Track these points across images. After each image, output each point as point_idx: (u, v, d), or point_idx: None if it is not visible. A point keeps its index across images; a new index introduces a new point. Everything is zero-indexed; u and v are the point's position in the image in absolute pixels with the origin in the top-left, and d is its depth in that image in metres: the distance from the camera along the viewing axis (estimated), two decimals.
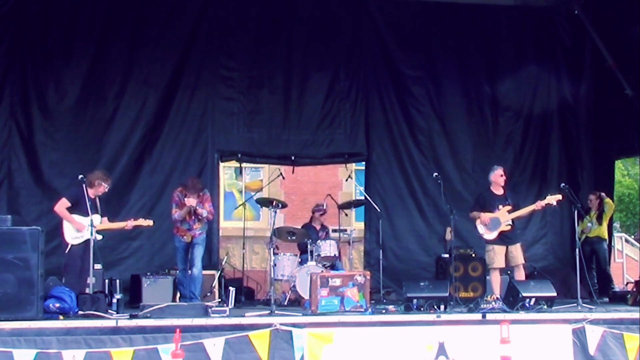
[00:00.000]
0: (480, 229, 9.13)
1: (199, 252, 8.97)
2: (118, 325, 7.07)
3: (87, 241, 8.20)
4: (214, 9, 11.12)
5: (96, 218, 8.31)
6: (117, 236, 10.37)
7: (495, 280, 9.12)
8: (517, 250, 9.14)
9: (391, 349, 7.31)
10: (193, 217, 8.97)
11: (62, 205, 8.27)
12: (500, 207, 9.09)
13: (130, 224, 8.65)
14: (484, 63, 11.91)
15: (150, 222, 8.69)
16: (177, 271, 9.14)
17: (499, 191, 9.27)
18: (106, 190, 8.52)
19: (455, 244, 9.39)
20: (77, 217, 8.26)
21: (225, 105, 11.14)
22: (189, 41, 11.00)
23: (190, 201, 8.82)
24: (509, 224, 9.07)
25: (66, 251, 8.25)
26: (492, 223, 9.04)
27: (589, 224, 10.88)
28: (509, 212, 9.05)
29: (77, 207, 8.27)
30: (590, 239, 10.91)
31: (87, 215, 8.16)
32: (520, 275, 9.12)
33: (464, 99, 11.82)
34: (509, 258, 9.12)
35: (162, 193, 10.64)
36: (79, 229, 8.24)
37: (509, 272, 10.00)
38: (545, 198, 9.17)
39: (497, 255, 9.06)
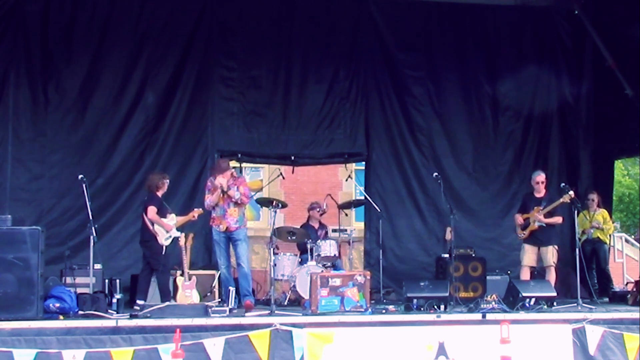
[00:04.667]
0: (517, 228, 9.85)
1: (242, 249, 8.95)
2: (118, 325, 7.07)
3: (174, 239, 8.85)
4: (214, 9, 11.11)
5: (173, 217, 8.95)
6: (116, 235, 10.42)
7: (524, 278, 9.52)
8: (547, 252, 9.62)
9: (391, 349, 7.32)
10: (227, 201, 8.90)
11: (152, 212, 8.76)
12: (535, 208, 9.61)
13: (194, 213, 9.16)
14: (484, 63, 11.90)
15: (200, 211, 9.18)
16: (221, 268, 9.10)
17: (539, 194, 9.80)
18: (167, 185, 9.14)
19: (455, 244, 9.39)
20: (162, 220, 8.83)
21: (225, 105, 11.12)
22: (189, 41, 10.99)
23: (220, 180, 8.81)
24: (540, 224, 9.55)
25: (162, 253, 8.72)
26: (524, 223, 9.72)
27: (592, 229, 10.88)
28: (539, 213, 9.57)
29: (159, 211, 8.82)
30: (591, 239, 10.92)
31: (164, 216, 8.81)
32: (550, 276, 9.51)
33: (464, 98, 11.81)
34: (540, 259, 9.67)
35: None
36: (168, 229, 8.79)
37: (509, 272, 10.04)
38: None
39: (526, 254, 9.67)
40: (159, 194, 9.00)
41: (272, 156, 11.52)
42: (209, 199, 8.97)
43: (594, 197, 11.05)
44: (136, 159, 10.73)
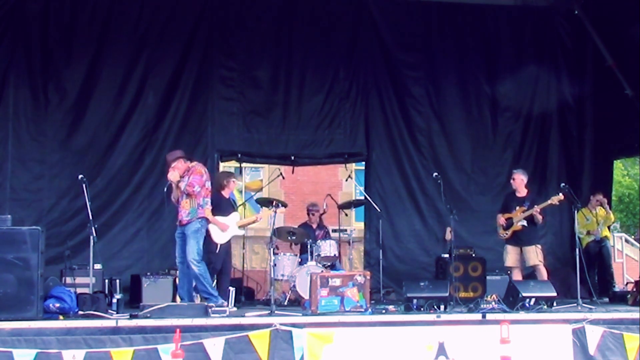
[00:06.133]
0: (499, 229, 9.72)
1: (190, 247, 8.19)
2: (118, 325, 7.07)
3: (230, 239, 8.92)
4: (214, 9, 11.11)
5: (236, 215, 9.05)
6: (116, 235, 10.42)
7: (516, 278, 9.47)
8: (529, 252, 9.53)
9: (391, 349, 7.32)
10: (181, 193, 8.34)
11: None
12: (517, 208, 9.56)
13: (258, 216, 9.72)
14: (484, 63, 11.91)
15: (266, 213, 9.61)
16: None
17: (521, 193, 9.74)
18: (236, 184, 9.32)
19: (455, 244, 9.40)
20: (219, 218, 8.73)
21: (225, 105, 11.12)
22: (189, 41, 10.99)
23: (169, 175, 8.32)
24: (522, 224, 9.50)
25: (216, 251, 8.73)
26: (507, 223, 9.63)
27: (598, 229, 10.88)
28: (523, 212, 9.50)
29: (218, 209, 8.69)
30: (599, 239, 10.93)
31: (225, 214, 8.78)
32: (541, 275, 9.45)
33: (464, 99, 11.82)
34: (524, 259, 9.59)
35: (161, 193, 10.63)
36: (223, 229, 8.76)
37: (509, 272, 10.03)
38: (545, 201, 9.51)
39: (508, 255, 9.64)
40: (224, 193, 9.02)
41: (272, 156, 11.53)
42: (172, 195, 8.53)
43: (600, 197, 11.04)
44: (136, 159, 10.73)
